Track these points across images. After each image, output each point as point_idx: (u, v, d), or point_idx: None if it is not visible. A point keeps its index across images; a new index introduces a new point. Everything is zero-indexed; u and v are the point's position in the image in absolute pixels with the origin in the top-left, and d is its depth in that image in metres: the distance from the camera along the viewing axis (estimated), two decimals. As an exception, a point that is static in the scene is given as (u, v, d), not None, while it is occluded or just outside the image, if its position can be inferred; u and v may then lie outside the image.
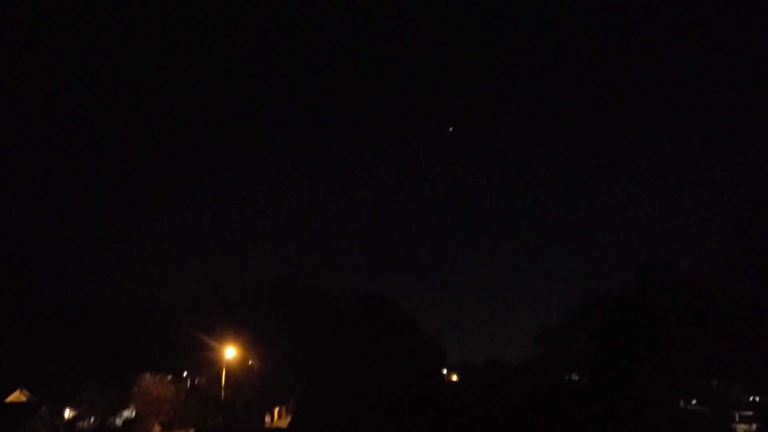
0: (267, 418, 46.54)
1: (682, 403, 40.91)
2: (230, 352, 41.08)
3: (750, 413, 39.84)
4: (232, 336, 40.51)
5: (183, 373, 46.44)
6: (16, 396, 42.33)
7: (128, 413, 45.25)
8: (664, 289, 37.43)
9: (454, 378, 51.59)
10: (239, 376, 41.37)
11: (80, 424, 44.07)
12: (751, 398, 42.20)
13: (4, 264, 39.63)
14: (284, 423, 44.74)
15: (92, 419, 44.66)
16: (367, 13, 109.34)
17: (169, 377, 43.02)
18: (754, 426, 38.77)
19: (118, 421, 45.84)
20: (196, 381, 46.28)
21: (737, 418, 39.89)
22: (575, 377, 40.03)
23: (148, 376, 41.39)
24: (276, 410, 50.91)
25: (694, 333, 35.04)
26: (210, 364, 41.82)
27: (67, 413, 43.77)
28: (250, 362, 42.60)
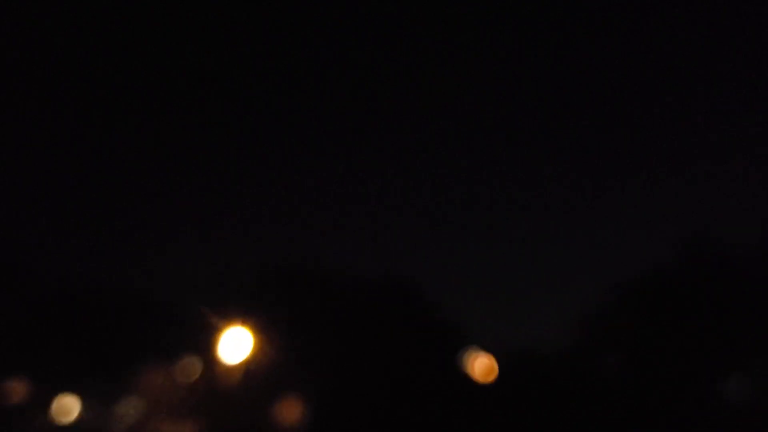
0: (279, 410, 45.19)
1: (729, 384, 39.62)
2: (237, 341, 39.79)
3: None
4: (239, 323, 39.13)
5: (188, 361, 45.32)
6: (12, 390, 41.38)
7: (131, 407, 44.23)
8: (709, 265, 36.44)
9: (482, 364, 49.40)
10: (247, 366, 40.09)
11: (80, 418, 43.22)
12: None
13: (1, 254, 38.42)
14: (299, 411, 43.74)
15: (92, 413, 43.75)
16: None
17: (174, 367, 41.85)
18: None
19: (121, 416, 44.81)
20: (203, 369, 45.17)
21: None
22: (614, 361, 38.60)
23: (151, 366, 40.26)
24: (290, 399, 49.57)
25: (742, 310, 33.93)
26: (216, 354, 40.53)
27: (65, 407, 42.90)
28: (258, 351, 41.25)
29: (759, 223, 35.66)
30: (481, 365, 42.04)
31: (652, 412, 31.32)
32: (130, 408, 43.19)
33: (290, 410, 44.43)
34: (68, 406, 41.85)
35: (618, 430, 28.73)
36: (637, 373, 34.74)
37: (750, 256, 34.38)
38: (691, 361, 32.93)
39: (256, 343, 40.34)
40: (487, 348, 43.80)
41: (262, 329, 39.83)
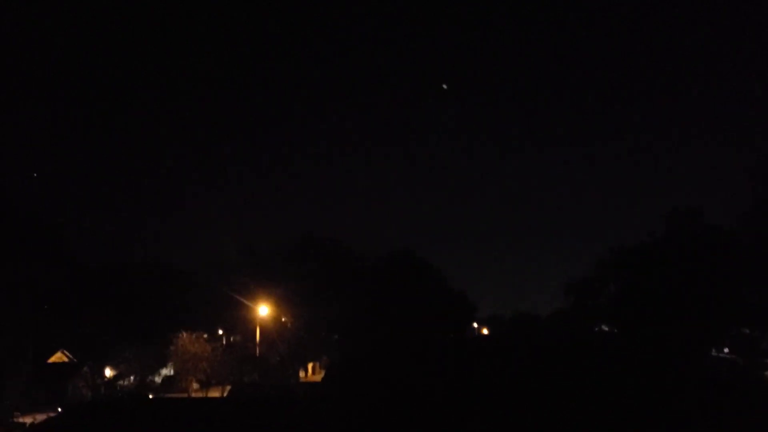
0: (301, 373, 47.39)
1: (713, 352, 40.83)
2: (263, 310, 41.62)
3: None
4: (265, 293, 40.98)
5: (218, 331, 47.29)
6: (58, 357, 43.61)
7: (166, 371, 46.35)
8: (694, 238, 37.13)
9: (485, 332, 51.95)
10: (272, 332, 41.97)
11: (120, 382, 45.30)
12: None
13: (41, 228, 40.28)
14: (318, 378, 45.41)
15: (132, 378, 45.87)
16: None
17: (205, 335, 43.83)
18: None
19: (157, 379, 47.02)
20: (231, 338, 47.15)
21: (769, 366, 39.75)
22: (605, 328, 40.13)
23: (184, 334, 42.22)
24: (309, 365, 51.82)
25: (725, 281, 34.82)
26: (244, 322, 42.49)
27: (108, 372, 44.98)
28: (282, 319, 43.16)
29: (742, 197, 36.93)
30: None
31: (638, 375, 33.32)
32: (164, 370, 46.03)
33: (314, 373, 47.54)
34: (107, 370, 44.58)
35: (607, 389, 30.60)
36: (626, 336, 36.57)
37: (734, 229, 36.02)
38: (677, 329, 34.49)
39: (279, 312, 43.05)
40: (489, 312, 46.55)
41: (285, 299, 42.51)
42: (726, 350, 41.23)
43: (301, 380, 46.13)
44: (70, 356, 43.50)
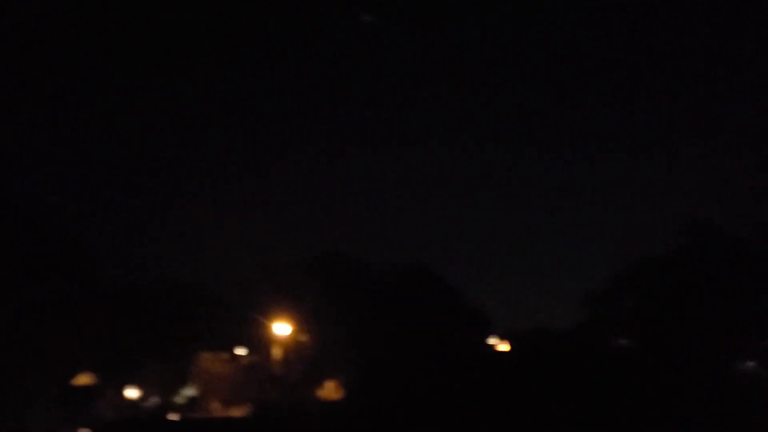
0: (320, 392, 47.59)
1: (736, 364, 40.44)
2: (282, 328, 42.01)
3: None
4: (283, 311, 41.37)
5: (238, 351, 47.75)
6: (82, 379, 44.24)
7: (188, 392, 46.82)
8: (712, 248, 36.98)
9: (503, 346, 51.69)
10: (291, 351, 42.34)
11: (144, 403, 45.80)
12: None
13: (65, 247, 41.11)
14: (337, 396, 45.64)
15: (155, 399, 46.37)
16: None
17: (226, 355, 44.29)
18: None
19: (180, 400, 47.53)
20: (251, 358, 47.54)
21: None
22: (624, 342, 39.99)
23: (205, 355, 42.74)
24: (328, 384, 51.97)
25: (746, 292, 34.62)
26: (263, 340, 42.87)
27: (131, 393, 45.52)
28: (301, 337, 43.53)
29: (757, 209, 36.86)
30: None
31: (657, 387, 33.12)
32: (186, 391, 46.64)
33: (332, 390, 47.82)
34: (132, 390, 45.21)
35: (625, 404, 30.41)
36: (646, 350, 36.37)
37: (750, 241, 35.88)
38: (695, 341, 34.28)
39: (298, 331, 43.45)
40: (505, 326, 46.44)
41: (303, 317, 42.95)
42: (751, 363, 40.77)
43: (321, 399, 46.34)
44: (95, 377, 44.12)
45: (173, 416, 40.83)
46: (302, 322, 42.97)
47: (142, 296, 42.78)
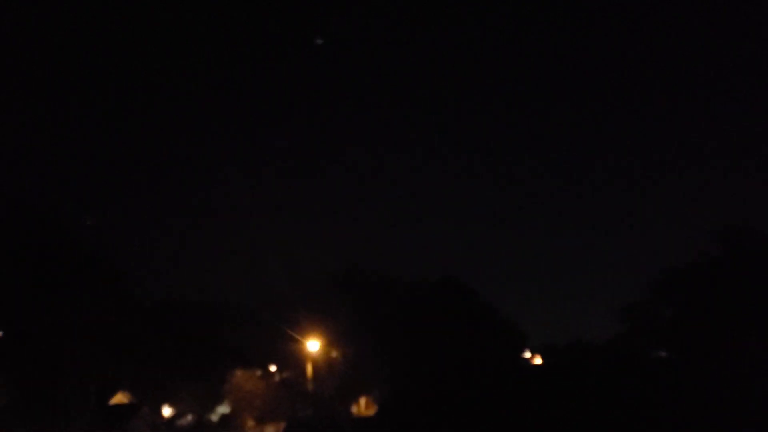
0: (353, 408, 47.42)
1: None
2: (314, 344, 42.01)
3: None
4: (315, 327, 41.38)
5: (271, 367, 47.90)
6: (119, 398, 44.69)
7: (223, 409, 47.03)
8: (750, 255, 35.99)
9: (537, 361, 50.98)
10: (323, 367, 42.33)
11: (179, 421, 46.14)
12: None
13: (100, 268, 41.72)
14: (370, 412, 45.44)
15: (189, 417, 46.67)
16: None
17: (259, 372, 44.46)
18: None
19: (214, 418, 47.72)
20: (284, 374, 47.62)
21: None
22: (663, 353, 39.03)
23: (239, 372, 42.95)
24: (361, 400, 51.74)
25: None
26: (295, 357, 42.91)
27: (166, 412, 45.89)
28: (333, 353, 43.51)
29: None
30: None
31: (696, 401, 32.10)
32: (221, 408, 46.74)
33: (364, 406, 47.51)
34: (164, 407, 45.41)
35: (665, 418, 29.52)
36: (686, 363, 35.36)
37: None
38: (735, 352, 33.20)
39: (329, 346, 43.35)
40: (539, 340, 45.70)
41: (334, 333, 42.85)
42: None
43: (354, 415, 46.20)
44: (131, 397, 44.54)
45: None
46: (334, 337, 42.97)
47: (176, 314, 43.17)
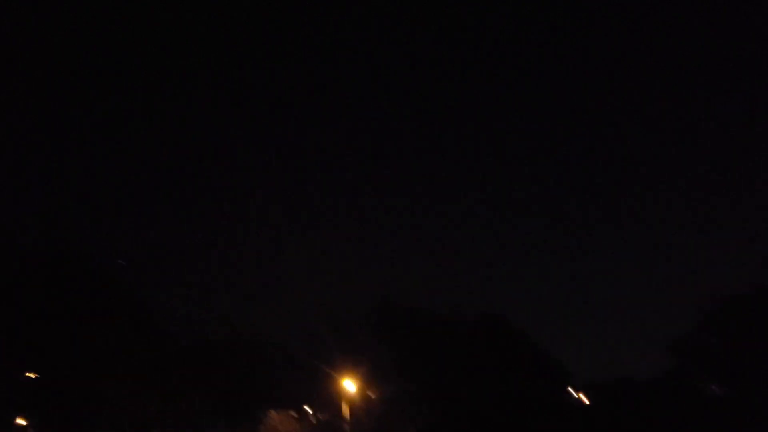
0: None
1: None
2: (350, 384, 41.00)
3: None
4: (351, 365, 40.47)
5: (306, 408, 46.89)
6: (153, 437, 44.20)
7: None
8: None
9: (582, 398, 48.97)
10: (359, 407, 41.22)
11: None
12: None
13: (133, 306, 41.84)
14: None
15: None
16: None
17: (294, 413, 43.48)
18: None
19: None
20: (320, 415, 46.55)
21: None
22: (716, 388, 37.18)
23: (273, 413, 42.08)
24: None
25: None
26: (331, 397, 41.94)
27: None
28: (370, 392, 42.41)
29: None
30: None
31: None
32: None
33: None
34: None
35: None
36: (733, 399, 33.66)
37: None
38: None
39: (366, 386, 42.32)
40: (585, 377, 43.86)
41: (371, 372, 41.86)
42: None
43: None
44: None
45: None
46: (370, 376, 41.93)
47: (210, 353, 42.81)
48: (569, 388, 43.95)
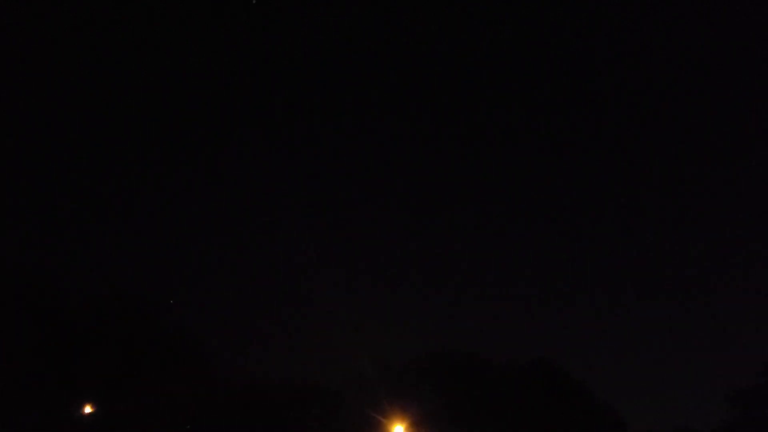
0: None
1: None
2: (399, 430, 40.58)
3: None
4: (400, 412, 40.14)
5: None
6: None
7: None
8: None
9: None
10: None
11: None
12: None
13: (186, 348, 42.46)
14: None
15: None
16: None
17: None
18: None
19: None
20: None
21: None
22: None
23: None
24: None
25: None
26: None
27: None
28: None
29: None
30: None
31: None
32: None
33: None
34: None
35: None
36: None
37: None
38: None
39: (415, 429, 41.96)
40: (640, 428, 42.58)
41: (419, 417, 41.60)
42: None
43: None
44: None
45: None
46: (419, 421, 41.47)
47: (261, 396, 43.04)
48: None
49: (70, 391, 38.81)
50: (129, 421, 39.15)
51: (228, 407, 41.38)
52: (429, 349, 44.60)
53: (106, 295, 42.17)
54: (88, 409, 39.29)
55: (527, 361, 42.26)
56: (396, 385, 41.36)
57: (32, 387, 37.43)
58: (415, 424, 41.55)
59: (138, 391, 39.76)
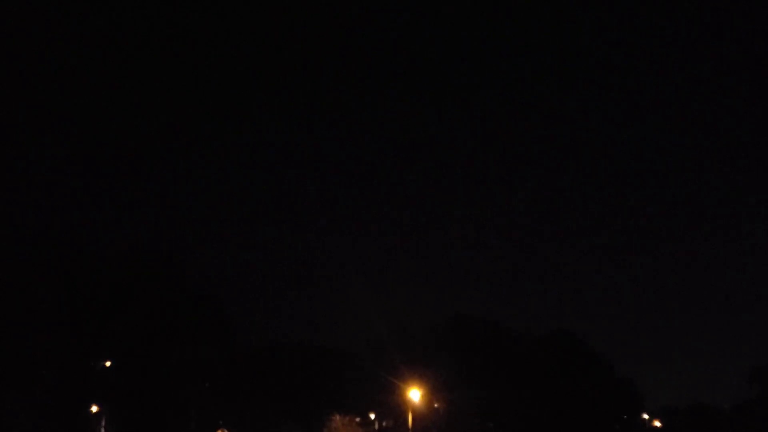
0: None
1: None
2: (415, 394, 40.60)
3: None
4: (416, 376, 40.14)
5: (370, 415, 46.68)
6: (220, 434, 44.80)
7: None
8: None
9: (656, 424, 47.26)
10: (425, 418, 40.75)
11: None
12: None
13: (207, 309, 42.56)
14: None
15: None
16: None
17: (357, 419, 43.35)
18: None
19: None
20: (383, 423, 46.29)
21: None
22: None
23: (337, 417, 42.05)
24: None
25: None
26: (396, 406, 41.63)
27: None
28: (435, 404, 41.90)
29: None
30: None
31: None
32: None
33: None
34: None
35: None
36: None
37: None
38: None
39: (432, 396, 41.99)
40: (659, 401, 42.36)
41: (437, 382, 41.57)
42: None
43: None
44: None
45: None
46: (436, 386, 41.44)
47: (278, 358, 43.19)
48: (644, 413, 42.73)
49: (92, 346, 38.98)
50: (146, 375, 39.35)
51: (247, 367, 41.57)
52: (451, 315, 44.44)
53: (133, 254, 42.16)
54: (106, 363, 39.51)
55: (548, 331, 42.04)
56: (414, 350, 41.29)
57: (54, 341, 37.60)
58: (431, 388, 41.55)
59: (158, 347, 39.95)
